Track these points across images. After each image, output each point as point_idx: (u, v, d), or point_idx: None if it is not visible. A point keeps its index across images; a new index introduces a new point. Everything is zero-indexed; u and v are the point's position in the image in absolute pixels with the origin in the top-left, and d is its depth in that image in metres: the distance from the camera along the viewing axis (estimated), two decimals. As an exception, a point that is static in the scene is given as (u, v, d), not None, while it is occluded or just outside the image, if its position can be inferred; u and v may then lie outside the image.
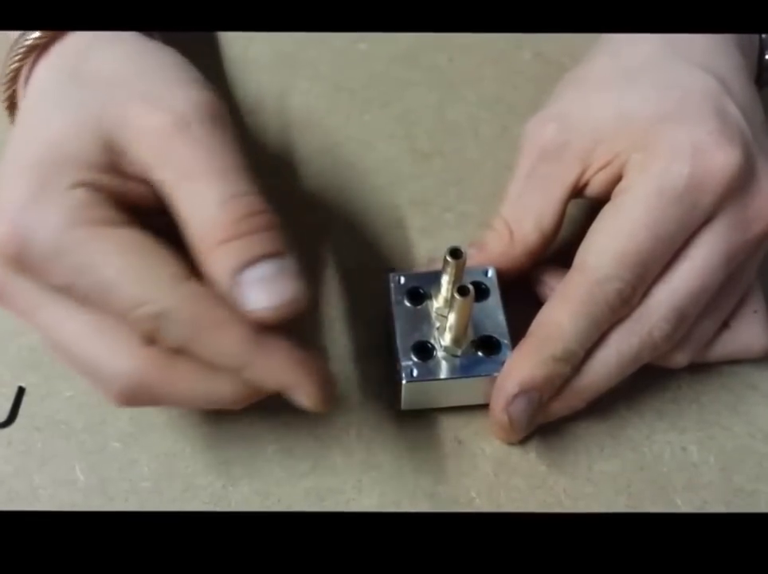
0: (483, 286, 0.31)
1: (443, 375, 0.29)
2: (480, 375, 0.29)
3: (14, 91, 0.31)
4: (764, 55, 0.35)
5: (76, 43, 0.29)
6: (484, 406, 0.30)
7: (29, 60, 0.30)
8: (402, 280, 0.31)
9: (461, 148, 0.38)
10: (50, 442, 0.31)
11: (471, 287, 0.27)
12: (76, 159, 0.26)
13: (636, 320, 0.28)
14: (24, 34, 0.29)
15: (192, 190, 0.26)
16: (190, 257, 0.26)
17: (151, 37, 0.31)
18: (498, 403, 0.29)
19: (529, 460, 0.31)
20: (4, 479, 0.30)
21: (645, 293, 0.28)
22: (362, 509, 0.29)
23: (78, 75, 0.28)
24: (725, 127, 0.28)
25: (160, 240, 0.26)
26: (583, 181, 0.30)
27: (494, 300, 0.31)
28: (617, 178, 0.30)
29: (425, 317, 0.30)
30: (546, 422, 0.30)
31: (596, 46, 0.33)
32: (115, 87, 0.27)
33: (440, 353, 0.30)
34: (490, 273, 0.31)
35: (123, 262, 0.25)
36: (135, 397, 0.26)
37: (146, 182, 0.27)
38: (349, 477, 0.30)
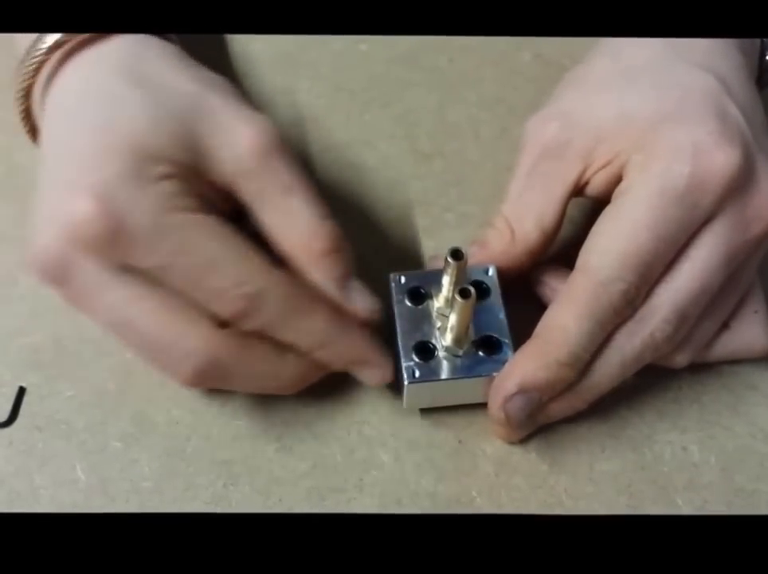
0: (484, 285, 0.31)
1: (445, 375, 0.29)
2: (482, 375, 0.29)
3: (30, 85, 0.30)
4: (765, 56, 0.35)
5: (124, 46, 0.29)
6: (485, 407, 0.30)
7: (50, 62, 0.29)
8: (403, 279, 0.31)
9: (462, 149, 0.38)
10: (51, 442, 0.31)
11: (472, 289, 0.27)
12: (163, 153, 0.27)
13: (638, 322, 0.28)
14: (41, 37, 0.29)
15: (290, 204, 0.28)
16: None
17: (169, 39, 0.31)
18: (495, 401, 0.29)
19: (530, 460, 0.31)
20: (4, 479, 0.30)
21: (647, 294, 0.28)
22: (364, 508, 0.29)
23: (139, 76, 0.28)
24: (725, 127, 0.28)
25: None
26: (584, 179, 0.31)
27: (495, 299, 0.31)
28: (617, 178, 0.30)
29: (426, 317, 0.30)
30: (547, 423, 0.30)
31: (596, 47, 0.33)
32: (187, 96, 0.28)
33: (441, 353, 0.30)
34: (491, 272, 0.31)
35: (222, 245, 0.27)
36: (207, 376, 0.28)
37: (219, 187, 0.28)
38: (350, 477, 0.30)
